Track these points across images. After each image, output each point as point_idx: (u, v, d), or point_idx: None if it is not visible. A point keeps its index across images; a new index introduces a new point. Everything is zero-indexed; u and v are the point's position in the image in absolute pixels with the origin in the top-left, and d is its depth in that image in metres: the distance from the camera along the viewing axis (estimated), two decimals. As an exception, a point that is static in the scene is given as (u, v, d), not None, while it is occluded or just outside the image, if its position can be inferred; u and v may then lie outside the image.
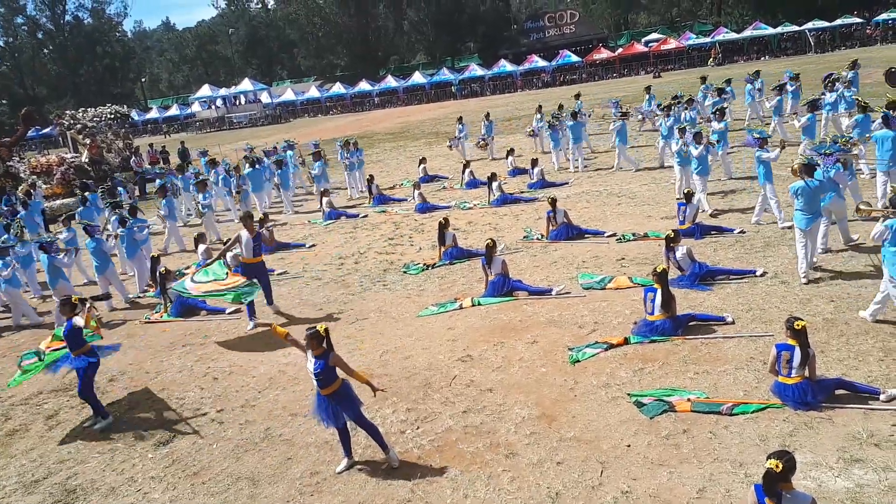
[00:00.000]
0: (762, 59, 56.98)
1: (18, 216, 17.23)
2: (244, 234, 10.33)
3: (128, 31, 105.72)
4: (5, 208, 18.11)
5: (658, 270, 8.17)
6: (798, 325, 6.22)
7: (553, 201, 12.61)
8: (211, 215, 16.68)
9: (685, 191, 11.87)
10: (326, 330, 5.99)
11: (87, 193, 17.84)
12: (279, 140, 28.07)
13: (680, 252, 9.50)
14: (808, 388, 6.24)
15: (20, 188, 22.31)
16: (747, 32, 60.24)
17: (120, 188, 20.33)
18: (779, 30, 59.01)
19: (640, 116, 24.00)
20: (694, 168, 13.17)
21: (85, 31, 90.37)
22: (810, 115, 15.18)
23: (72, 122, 28.17)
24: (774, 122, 18.63)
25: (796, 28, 58.03)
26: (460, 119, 25.67)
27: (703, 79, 25.47)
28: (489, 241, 10.23)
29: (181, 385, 8.67)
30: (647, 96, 24.99)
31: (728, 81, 22.84)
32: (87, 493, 6.51)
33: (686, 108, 18.93)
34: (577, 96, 26.31)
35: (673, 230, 9.92)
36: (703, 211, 12.64)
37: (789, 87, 21.05)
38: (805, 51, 56.54)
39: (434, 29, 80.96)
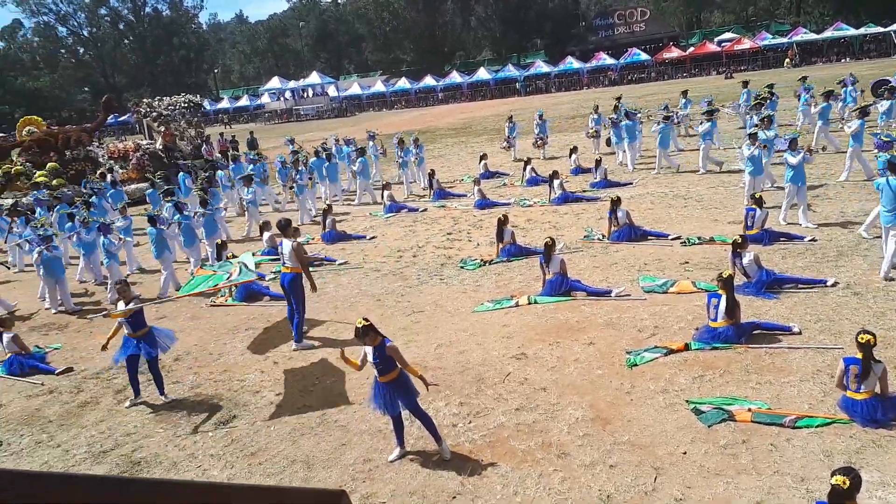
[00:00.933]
0: (843, 60, 54.67)
1: (108, 194, 18.33)
2: (286, 242, 9.49)
3: (203, 24, 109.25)
4: (86, 190, 19.10)
5: (724, 276, 7.96)
6: (862, 339, 5.97)
7: (615, 202, 12.40)
8: (255, 210, 16.99)
9: (755, 196, 11.50)
10: (366, 319, 6.07)
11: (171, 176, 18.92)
12: (345, 133, 28.50)
13: (747, 258, 9.23)
14: (877, 405, 5.99)
15: (98, 172, 23.33)
16: (827, 33, 57.83)
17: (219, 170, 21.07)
18: (861, 31, 56.43)
19: (675, 121, 23.20)
20: (788, 177, 12.11)
21: (163, 22, 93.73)
22: (860, 121, 14.58)
23: (148, 110, 29.26)
24: (818, 126, 17.98)
25: (881, 29, 55.38)
26: (510, 118, 25.41)
27: (746, 83, 24.58)
28: (548, 239, 10.16)
29: (242, 367, 8.93)
30: (683, 100, 24.20)
31: (771, 86, 21.99)
32: (150, 465, 6.78)
33: (754, 111, 18.34)
34: (619, 99, 25.67)
35: (740, 235, 9.65)
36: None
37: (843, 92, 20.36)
38: (889, 53, 53.92)
39: (501, 25, 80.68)
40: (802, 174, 12.00)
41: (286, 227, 9.65)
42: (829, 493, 4.20)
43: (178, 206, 13.67)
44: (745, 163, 13.60)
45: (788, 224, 12.11)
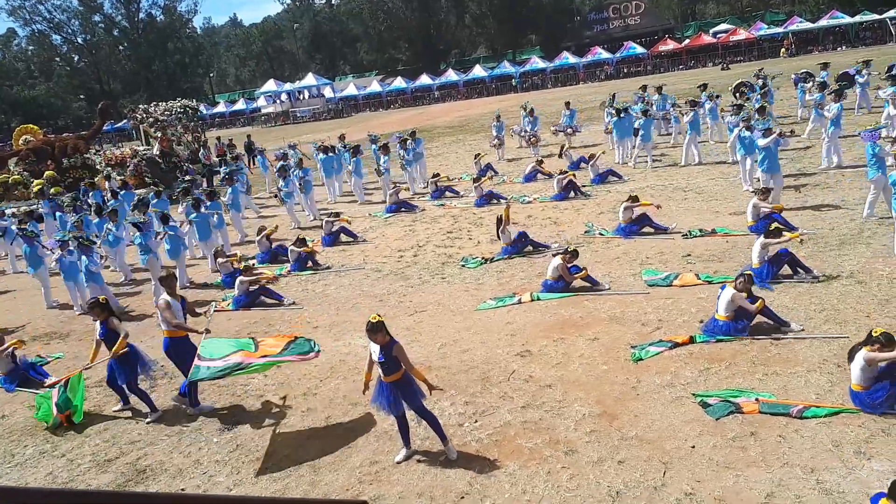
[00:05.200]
0: (839, 49, 54.61)
1: (122, 196, 18.25)
2: (169, 298, 7.93)
3: (197, 28, 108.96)
4: (85, 199, 19.06)
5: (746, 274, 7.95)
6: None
7: (630, 199, 12.32)
8: (292, 203, 17.11)
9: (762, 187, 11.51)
10: (379, 316, 6.10)
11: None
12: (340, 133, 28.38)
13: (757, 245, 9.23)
14: (873, 394, 5.99)
15: (96, 179, 23.28)
16: (823, 22, 57.77)
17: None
18: (857, 18, 56.35)
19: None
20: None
21: (157, 28, 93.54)
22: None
23: (144, 116, 29.17)
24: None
25: (876, 17, 55.30)
26: (498, 117, 25.09)
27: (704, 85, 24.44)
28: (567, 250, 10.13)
29: (245, 372, 8.87)
30: (660, 96, 23.47)
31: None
32: (156, 473, 6.74)
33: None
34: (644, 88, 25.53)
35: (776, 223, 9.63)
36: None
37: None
38: (885, 40, 53.87)
39: (495, 22, 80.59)
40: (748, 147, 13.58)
41: (170, 279, 8.22)
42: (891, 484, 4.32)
43: (165, 216, 13.19)
44: (870, 167, 11.40)
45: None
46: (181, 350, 7.85)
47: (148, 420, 7.90)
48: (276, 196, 19.20)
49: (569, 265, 9.91)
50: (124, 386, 8.03)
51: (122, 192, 18.88)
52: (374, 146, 22.09)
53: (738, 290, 7.77)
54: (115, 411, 8.24)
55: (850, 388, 6.14)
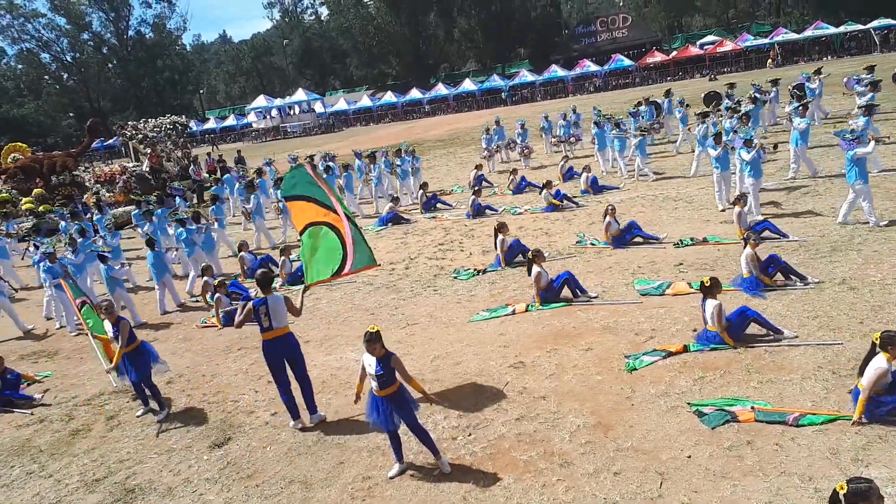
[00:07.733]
0: (824, 59, 55.17)
1: (95, 220, 18.10)
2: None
3: (187, 45, 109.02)
4: (67, 214, 18.95)
5: (704, 283, 7.91)
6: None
7: (608, 210, 12.29)
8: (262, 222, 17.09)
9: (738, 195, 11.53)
10: (376, 327, 6.01)
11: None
12: (332, 148, 28.40)
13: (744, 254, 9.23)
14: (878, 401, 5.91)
15: (85, 197, 23.15)
16: (808, 32, 58.48)
17: (179, 197, 20.55)
18: (842, 29, 57.05)
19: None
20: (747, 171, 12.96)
21: (146, 45, 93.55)
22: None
23: (133, 132, 29.03)
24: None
25: (860, 27, 56.02)
26: (487, 130, 25.20)
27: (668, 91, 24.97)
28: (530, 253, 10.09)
29: (236, 388, 8.78)
30: (644, 108, 23.64)
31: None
32: (145, 492, 6.62)
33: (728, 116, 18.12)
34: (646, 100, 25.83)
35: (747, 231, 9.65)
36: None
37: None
38: (870, 50, 54.51)
39: (484, 36, 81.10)
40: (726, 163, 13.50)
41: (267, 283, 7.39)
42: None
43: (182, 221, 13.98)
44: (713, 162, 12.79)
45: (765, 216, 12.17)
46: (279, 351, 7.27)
47: (158, 418, 8.16)
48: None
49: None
50: (140, 383, 8.32)
51: (96, 216, 18.58)
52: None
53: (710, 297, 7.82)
54: (138, 416, 8.39)
55: (858, 388, 6.04)
